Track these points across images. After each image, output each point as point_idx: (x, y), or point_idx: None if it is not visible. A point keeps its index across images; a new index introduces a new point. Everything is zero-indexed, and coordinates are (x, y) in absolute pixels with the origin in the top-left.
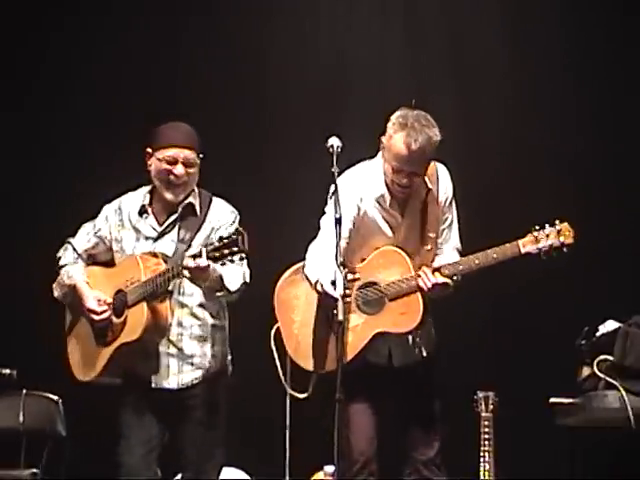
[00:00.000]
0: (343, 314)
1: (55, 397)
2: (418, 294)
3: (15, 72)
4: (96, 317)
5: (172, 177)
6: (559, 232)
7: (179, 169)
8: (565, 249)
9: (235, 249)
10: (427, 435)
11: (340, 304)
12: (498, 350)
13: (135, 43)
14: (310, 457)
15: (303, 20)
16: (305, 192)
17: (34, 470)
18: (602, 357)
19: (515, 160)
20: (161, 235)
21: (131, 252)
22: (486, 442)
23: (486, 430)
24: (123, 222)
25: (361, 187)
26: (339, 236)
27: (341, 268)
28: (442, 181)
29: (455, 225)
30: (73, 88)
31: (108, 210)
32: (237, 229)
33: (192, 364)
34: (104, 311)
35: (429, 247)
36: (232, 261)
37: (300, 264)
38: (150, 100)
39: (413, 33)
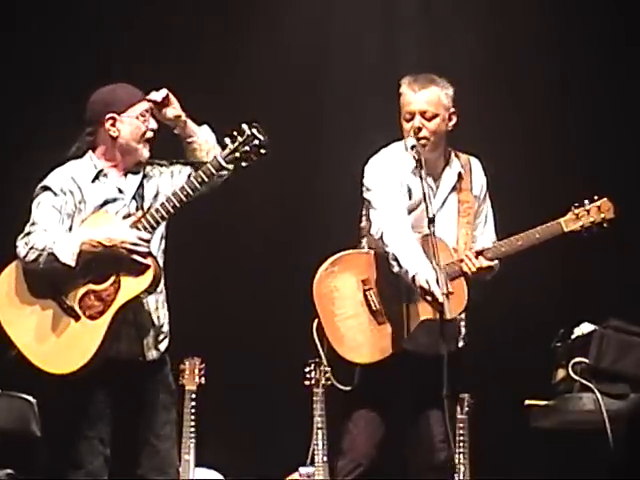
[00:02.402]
0: (449, 312)
1: (29, 397)
2: (462, 279)
3: None
4: (144, 244)
5: (149, 132)
6: (599, 208)
7: (153, 122)
8: (606, 224)
9: (256, 142)
10: (437, 436)
11: (446, 303)
12: (473, 352)
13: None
14: (286, 456)
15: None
16: (336, 182)
17: (9, 470)
18: (577, 359)
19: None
20: (135, 195)
21: None
22: (461, 444)
23: (461, 432)
24: (83, 188)
25: (398, 163)
26: (434, 234)
27: (440, 266)
28: (475, 173)
29: (491, 220)
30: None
31: (59, 183)
32: (246, 123)
33: (163, 333)
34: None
35: (464, 232)
36: (259, 155)
37: (337, 256)
38: None
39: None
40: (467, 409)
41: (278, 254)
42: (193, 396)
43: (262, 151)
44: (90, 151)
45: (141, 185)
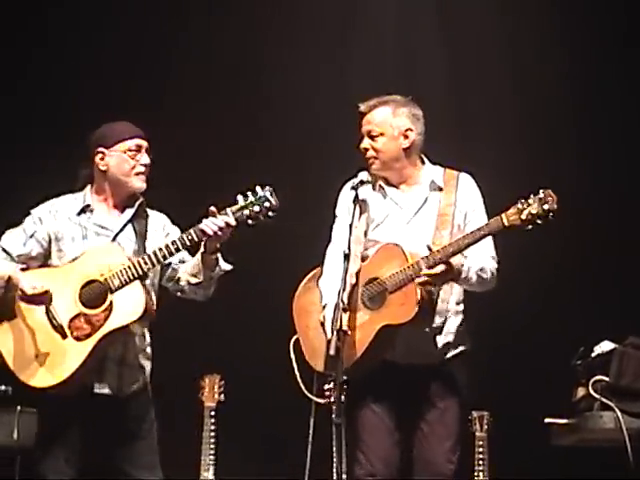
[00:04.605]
0: (335, 349)
1: None
2: (415, 284)
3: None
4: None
5: (140, 166)
6: (541, 200)
7: (145, 158)
8: (551, 216)
9: (267, 205)
10: (438, 455)
11: (333, 340)
12: (493, 370)
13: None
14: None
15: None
16: (317, 201)
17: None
18: (598, 378)
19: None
20: (120, 232)
21: (80, 250)
22: (480, 462)
23: (480, 450)
24: (61, 221)
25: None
26: (346, 271)
27: (342, 305)
28: (462, 188)
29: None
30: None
31: (39, 213)
32: (261, 185)
33: (131, 374)
34: (37, 295)
35: (440, 242)
36: (267, 217)
37: (316, 270)
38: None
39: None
40: (486, 427)
41: (297, 269)
42: (212, 413)
43: (270, 214)
44: (89, 185)
45: (129, 224)
